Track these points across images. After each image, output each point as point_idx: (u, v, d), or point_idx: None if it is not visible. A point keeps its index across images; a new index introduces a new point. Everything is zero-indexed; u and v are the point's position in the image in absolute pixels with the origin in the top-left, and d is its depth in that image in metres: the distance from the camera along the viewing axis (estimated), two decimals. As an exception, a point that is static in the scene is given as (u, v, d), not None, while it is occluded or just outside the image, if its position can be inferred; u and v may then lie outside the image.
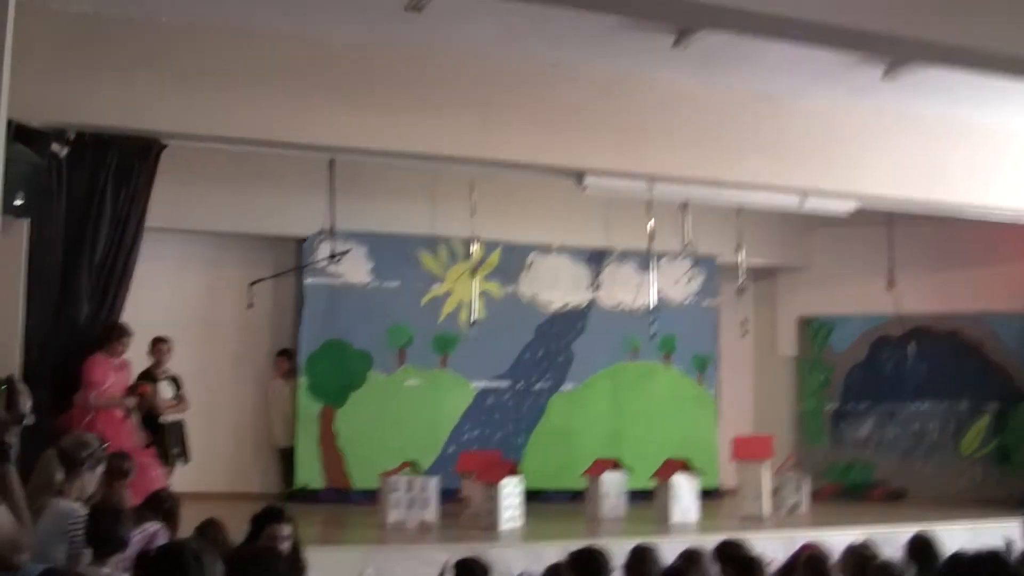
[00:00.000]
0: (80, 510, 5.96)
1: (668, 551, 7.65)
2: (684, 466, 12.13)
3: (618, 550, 7.46)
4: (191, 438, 11.57)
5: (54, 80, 9.64)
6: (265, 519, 6.43)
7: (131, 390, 10.63)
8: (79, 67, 9.84)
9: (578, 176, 11.76)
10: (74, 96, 9.83)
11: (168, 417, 11.20)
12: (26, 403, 3.83)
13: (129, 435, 10.39)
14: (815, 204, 12.75)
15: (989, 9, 8.39)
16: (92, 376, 10.27)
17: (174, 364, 11.59)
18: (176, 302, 13.19)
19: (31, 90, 9.05)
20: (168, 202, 11.41)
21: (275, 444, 13.74)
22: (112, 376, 10.44)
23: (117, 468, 7.73)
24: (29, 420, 3.87)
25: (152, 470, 10.04)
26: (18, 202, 9.14)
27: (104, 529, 5.58)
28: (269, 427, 13.78)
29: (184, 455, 11.37)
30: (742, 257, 14.09)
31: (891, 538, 9.35)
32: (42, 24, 9.48)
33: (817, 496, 13.87)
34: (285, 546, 6.32)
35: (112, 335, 10.47)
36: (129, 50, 10.06)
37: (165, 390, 11.25)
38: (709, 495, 13.74)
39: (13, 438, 3.80)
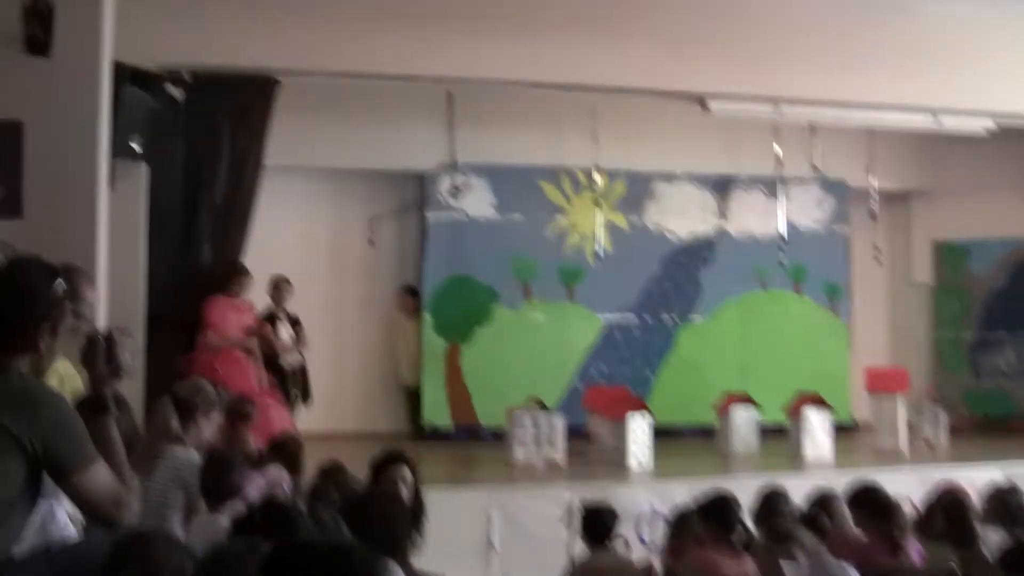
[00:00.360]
0: (196, 457, 5.90)
1: (800, 488, 7.43)
2: (816, 400, 11.77)
3: (749, 486, 7.24)
4: (317, 378, 11.57)
5: (167, 22, 9.61)
6: (385, 462, 6.31)
7: (251, 330, 10.61)
8: (192, 7, 9.80)
9: (702, 100, 11.44)
10: (188, 37, 9.78)
11: (288, 358, 11.17)
12: (125, 354, 3.70)
13: (251, 376, 10.37)
14: (950, 123, 12.24)
15: None
16: (211, 316, 10.32)
17: (300, 303, 11.57)
18: (300, 240, 13.15)
19: (145, 33, 9.05)
20: (288, 140, 11.39)
21: (401, 382, 13.67)
22: (232, 316, 10.44)
23: (238, 411, 7.69)
24: (131, 374, 3.75)
25: (275, 412, 10.02)
26: (136, 146, 9.14)
27: (215, 476, 5.51)
28: (395, 365, 13.71)
29: (305, 396, 11.35)
30: (874, 181, 13.64)
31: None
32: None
33: (955, 429, 13.40)
34: (406, 489, 6.20)
35: (230, 275, 10.49)
36: (240, -11, 9.98)
37: (284, 331, 11.21)
38: (843, 429, 13.39)
39: (111, 391, 3.67)
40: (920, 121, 12.31)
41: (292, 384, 11.10)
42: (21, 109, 6.74)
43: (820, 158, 13.03)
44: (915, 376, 13.32)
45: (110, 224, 7.68)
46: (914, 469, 10.44)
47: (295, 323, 11.41)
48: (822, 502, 6.74)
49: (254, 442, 7.90)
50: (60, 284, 3.56)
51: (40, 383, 3.50)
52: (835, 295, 14.83)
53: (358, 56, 10.31)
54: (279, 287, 11.33)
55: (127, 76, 8.68)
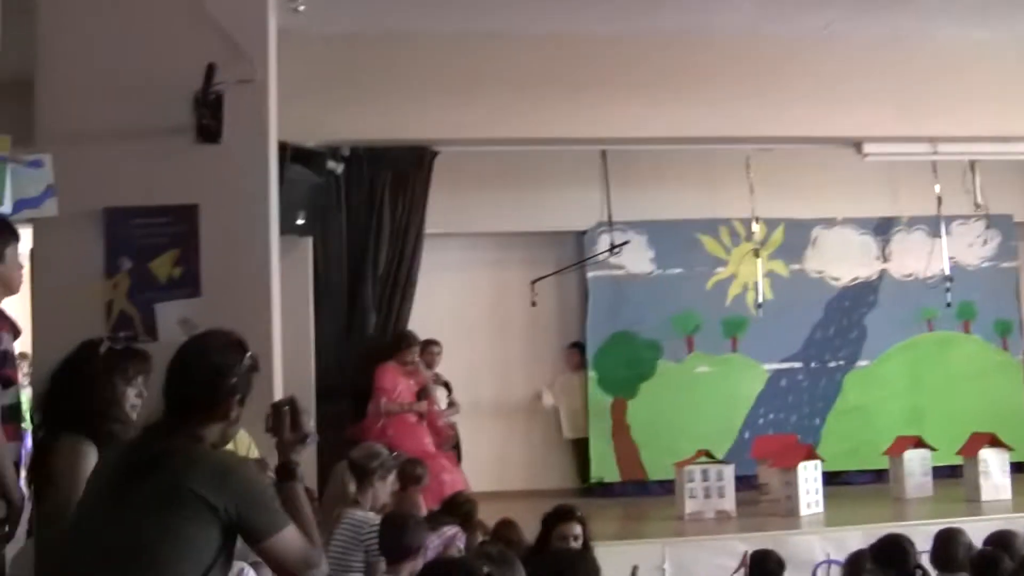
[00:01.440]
0: (374, 519, 6.13)
1: (980, 532, 7.34)
2: (992, 439, 11.56)
3: (925, 532, 7.19)
4: (484, 438, 11.77)
5: (324, 101, 9.99)
6: (555, 519, 6.45)
7: (419, 395, 10.88)
8: (346, 86, 10.16)
9: (857, 145, 11.42)
10: (345, 114, 10.15)
11: (443, 420, 11.40)
12: (309, 422, 3.92)
13: (423, 440, 10.63)
14: (1114, 148, 11.98)
15: None
16: (382, 383, 10.59)
17: (462, 366, 11.82)
18: (462, 305, 13.42)
19: (304, 113, 9.44)
20: (446, 208, 11.69)
21: (566, 436, 13.79)
22: (403, 382, 10.73)
23: (410, 474, 7.94)
24: (312, 440, 3.96)
25: (448, 473, 10.25)
26: (300, 221, 9.52)
27: (394, 537, 5.70)
28: (558, 421, 13.84)
29: (458, 457, 11.56)
30: (1041, 214, 13.42)
31: None
32: (306, 49, 9.84)
33: None
34: (576, 545, 6.32)
35: (400, 343, 10.78)
36: (392, 64, 10.34)
37: (437, 394, 11.45)
38: (1023, 469, 13.13)
39: (299, 457, 3.88)
40: (1083, 148, 12.08)
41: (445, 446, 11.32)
42: (196, 193, 7.09)
43: (982, 194, 12.86)
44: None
45: (280, 297, 7.99)
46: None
47: (446, 386, 11.66)
48: (1000, 539, 6.67)
49: (424, 504, 8.14)
50: (251, 356, 3.79)
51: (228, 452, 3.69)
52: (1006, 332, 14.54)
53: (511, 123, 10.55)
54: (429, 350, 11.57)
55: (289, 155, 9.08)
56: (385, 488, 6.54)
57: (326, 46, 10.15)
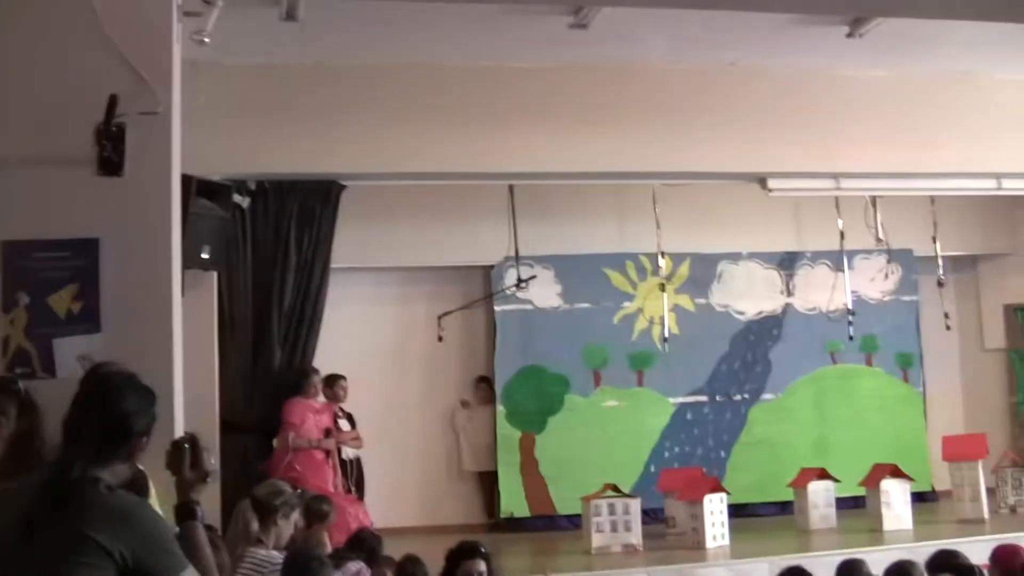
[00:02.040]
0: (276, 558, 6.04)
1: (882, 561, 7.40)
2: (894, 470, 11.73)
3: (829, 563, 7.25)
4: (384, 472, 11.69)
5: (231, 133, 9.92)
6: (460, 555, 6.41)
7: (328, 432, 10.79)
8: (254, 118, 10.11)
9: (762, 180, 11.55)
10: (252, 147, 10.09)
11: (348, 453, 11.35)
12: (210, 459, 3.85)
13: (329, 477, 10.57)
14: (1013, 185, 12.22)
15: None
16: (290, 417, 10.56)
17: (365, 400, 11.75)
18: (368, 339, 13.34)
19: (209, 145, 9.36)
20: (353, 242, 11.65)
21: (467, 468, 13.75)
22: (311, 418, 10.65)
23: (316, 511, 7.85)
24: (214, 477, 3.89)
25: (353, 509, 10.18)
26: (205, 255, 9.41)
27: (296, 574, 5.61)
28: (459, 455, 13.81)
29: (360, 491, 11.50)
30: (939, 248, 13.64)
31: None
32: (213, 80, 9.80)
33: (1041, 493, 13.29)
34: None
35: (306, 378, 10.69)
36: (299, 97, 10.32)
37: (343, 427, 11.40)
38: (924, 499, 13.33)
39: (199, 495, 3.81)
40: (983, 186, 12.31)
41: (348, 478, 11.25)
42: (97, 226, 6.98)
43: (884, 229, 13.06)
44: (994, 442, 13.17)
45: (183, 332, 7.88)
46: (999, 537, 10.31)
47: (350, 419, 11.60)
48: (900, 570, 6.73)
49: (329, 541, 8.05)
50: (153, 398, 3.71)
51: (125, 494, 3.59)
52: (908, 364, 14.77)
53: (418, 157, 10.55)
54: (339, 384, 11.48)
55: (195, 188, 8.98)
56: (289, 526, 6.44)
57: (233, 78, 10.09)
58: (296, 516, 6.61)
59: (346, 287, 12.24)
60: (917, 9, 8.51)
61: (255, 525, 6.22)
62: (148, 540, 3.43)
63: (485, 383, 13.80)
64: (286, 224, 10.57)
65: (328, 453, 10.76)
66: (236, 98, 10.08)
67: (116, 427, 3.55)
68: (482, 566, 6.35)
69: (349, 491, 11.05)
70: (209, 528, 5.63)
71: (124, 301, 7.02)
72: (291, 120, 10.24)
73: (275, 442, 10.62)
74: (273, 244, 10.56)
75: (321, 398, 10.95)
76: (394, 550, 7.94)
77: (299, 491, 6.70)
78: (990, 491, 12.23)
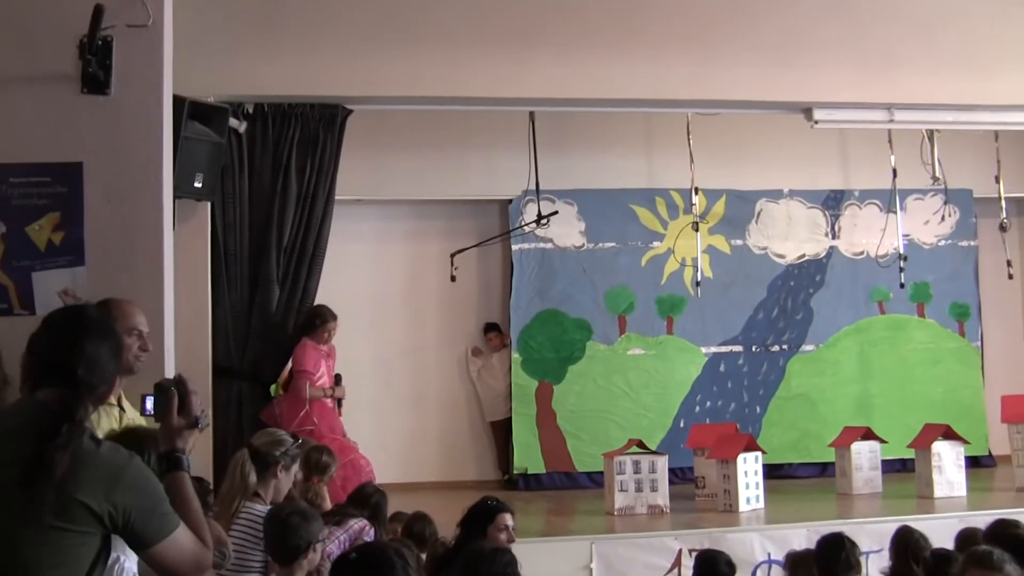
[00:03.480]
0: (275, 513, 6.05)
1: (933, 530, 7.42)
2: (947, 431, 11.72)
3: (875, 531, 7.28)
4: (398, 424, 11.75)
5: (227, 52, 9.86)
6: (488, 512, 6.43)
7: (338, 378, 10.80)
8: (253, 36, 10.03)
9: (807, 110, 11.46)
10: (250, 67, 10.01)
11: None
12: (200, 405, 3.84)
13: (340, 426, 10.60)
14: (1084, 120, 12.14)
15: None
16: (305, 365, 10.51)
17: (374, 344, 11.75)
18: (375, 279, 13.38)
19: (204, 64, 9.33)
20: (359, 172, 11.64)
21: (488, 419, 13.83)
22: (323, 364, 10.65)
23: (315, 463, 7.88)
24: (204, 424, 3.88)
25: (365, 461, 10.24)
26: (198, 184, 9.38)
27: (277, 536, 5.61)
28: (478, 405, 13.88)
29: None
30: (1003, 189, 13.56)
31: None
32: (210, -5, 9.70)
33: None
34: (510, 537, 6.34)
35: (316, 320, 10.68)
36: (305, 13, 10.22)
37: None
38: (979, 463, 13.35)
39: (187, 444, 3.80)
40: (1052, 120, 12.22)
41: None
42: (81, 150, 6.97)
43: (941, 167, 12.98)
44: (1057, 402, 13.19)
45: (174, 268, 7.88)
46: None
47: None
48: (964, 538, 6.75)
49: (328, 495, 8.10)
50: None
51: (115, 447, 3.57)
52: (964, 316, 14.73)
53: (430, 81, 10.45)
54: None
55: (187, 110, 8.95)
56: (289, 479, 6.45)
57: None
58: (296, 469, 6.64)
59: (351, 221, 12.24)
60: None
61: (253, 478, 6.22)
62: (139, 502, 3.45)
63: (495, 331, 13.80)
64: (286, 152, 10.51)
65: (340, 401, 10.79)
66: (234, 13, 10.00)
67: (98, 363, 3.56)
68: (510, 519, 6.40)
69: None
70: (198, 480, 5.67)
71: (110, 232, 7.03)
72: (293, 39, 10.16)
73: (273, 389, 10.63)
74: (272, 173, 10.50)
75: (332, 342, 10.95)
76: (401, 507, 8.00)
77: (299, 441, 6.70)
78: (1053, 456, 12.24)
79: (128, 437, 3.95)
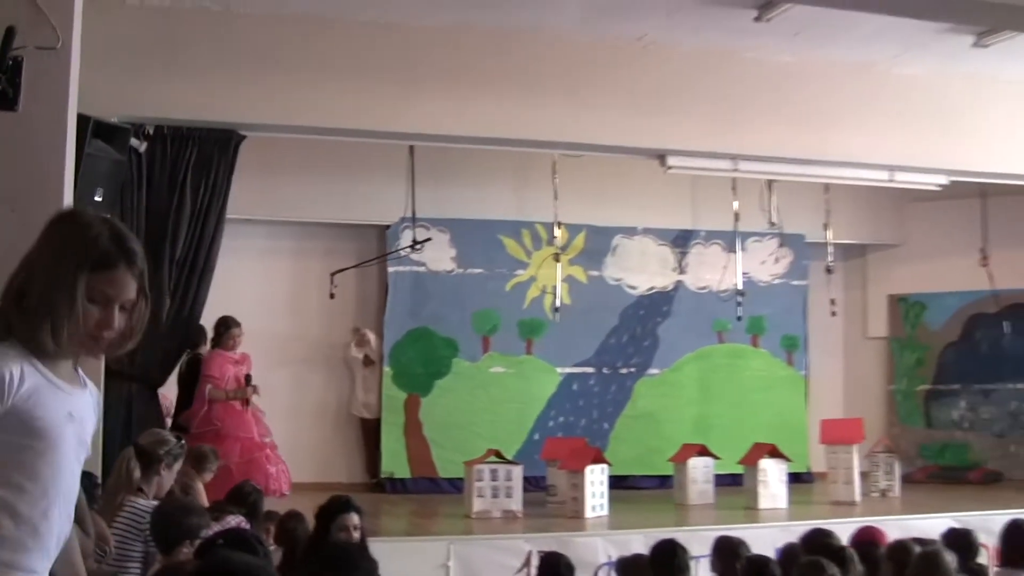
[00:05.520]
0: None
1: (756, 538, 7.55)
2: (773, 450, 11.93)
3: (704, 538, 7.37)
4: (278, 430, 11.63)
5: (132, 75, 9.66)
6: (334, 510, 6.38)
7: (248, 379, 10.77)
8: (156, 61, 9.85)
9: (661, 157, 11.58)
10: (152, 91, 9.83)
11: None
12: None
13: (251, 428, 10.53)
14: (905, 178, 12.43)
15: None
16: (209, 371, 10.66)
17: (258, 355, 11.63)
18: (260, 293, 13.20)
19: (109, 86, 9.13)
20: (250, 193, 11.46)
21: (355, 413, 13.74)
22: (231, 369, 10.69)
23: (196, 461, 7.78)
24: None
25: (273, 465, 10.20)
26: (98, 198, 9.19)
27: (165, 525, 5.52)
28: (350, 412, 13.79)
29: None
30: (830, 235, 13.84)
31: (986, 522, 9.20)
32: (117, 20, 9.53)
33: (911, 479, 13.65)
34: (355, 536, 6.29)
35: (222, 329, 10.87)
36: (206, 43, 10.06)
37: None
38: (800, 479, 13.60)
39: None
40: (876, 176, 12.46)
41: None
42: (-13, 162, 6.81)
43: (778, 213, 13.21)
44: (871, 427, 13.49)
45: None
46: (868, 519, 10.54)
47: None
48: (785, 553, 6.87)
49: (205, 492, 8.01)
50: None
51: None
52: (793, 347, 15.02)
53: (321, 111, 10.37)
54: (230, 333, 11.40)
55: (91, 129, 8.76)
56: (171, 476, 6.37)
57: (137, 17, 9.82)
58: (178, 466, 6.54)
59: (241, 238, 12.08)
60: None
61: (137, 474, 6.12)
62: None
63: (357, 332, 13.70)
64: (182, 171, 10.34)
65: (246, 403, 10.68)
66: (138, 39, 9.82)
67: None
68: (356, 519, 6.34)
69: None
70: (87, 475, 5.55)
71: (12, 242, 6.85)
72: (194, 65, 10.00)
73: (159, 392, 10.50)
74: (168, 191, 10.32)
75: (240, 349, 10.90)
76: (279, 507, 7.91)
77: (182, 440, 6.61)
78: (863, 475, 12.53)
79: None
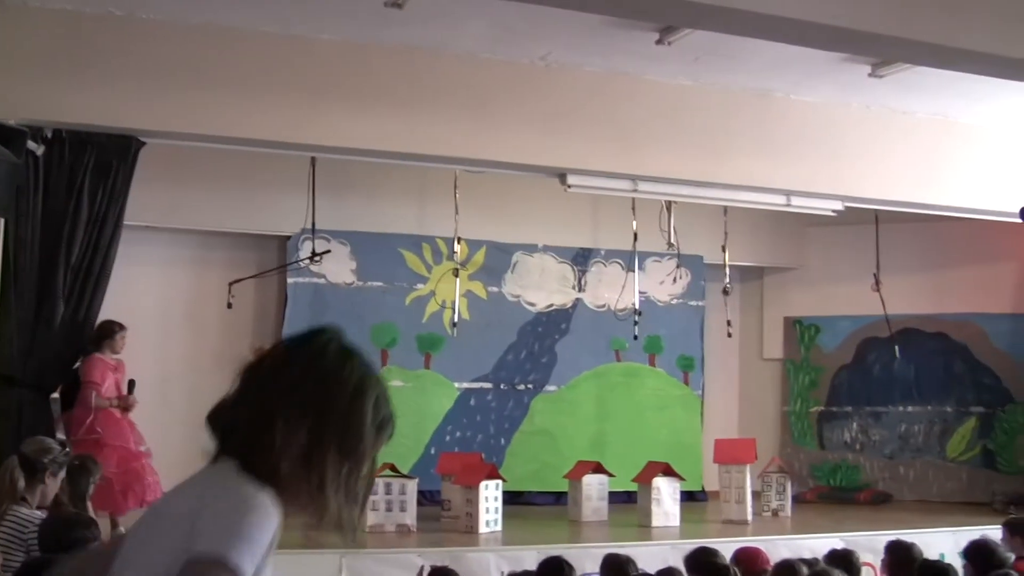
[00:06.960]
0: (39, 517, 5.87)
1: (647, 555, 7.60)
2: (666, 468, 12.01)
3: (596, 555, 7.40)
4: (173, 440, 11.48)
5: (31, 78, 9.54)
6: None
7: (131, 386, 10.60)
8: (57, 65, 9.72)
9: (562, 176, 11.64)
10: (51, 94, 9.70)
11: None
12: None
13: (130, 437, 10.34)
14: (801, 204, 12.62)
15: (976, 9, 8.28)
16: (91, 376, 10.30)
17: (155, 364, 11.51)
18: (157, 302, 13.06)
19: (7, 88, 9.00)
20: (149, 201, 11.33)
21: None
22: (111, 376, 10.43)
23: (80, 470, 7.64)
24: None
25: (152, 475, 10.04)
26: (-8, 201, 9.05)
27: (56, 533, 5.44)
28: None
29: None
30: (727, 257, 14.01)
31: (873, 542, 9.37)
32: (19, 22, 9.40)
33: (803, 499, 13.83)
34: None
35: (104, 333, 10.47)
36: (108, 48, 9.94)
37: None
38: (694, 498, 13.72)
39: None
40: (773, 201, 12.65)
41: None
42: None
43: (676, 234, 13.33)
44: (765, 448, 13.65)
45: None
46: (759, 538, 10.67)
47: None
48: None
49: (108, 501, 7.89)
50: None
51: None
52: (689, 367, 15.16)
53: (222, 121, 10.29)
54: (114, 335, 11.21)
55: (-13, 131, 8.64)
56: (55, 485, 6.27)
57: (37, 21, 9.65)
58: (63, 475, 6.44)
59: (139, 245, 11.91)
60: (727, 24, 8.65)
61: (21, 483, 6.01)
62: None
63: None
64: (80, 176, 10.19)
65: (125, 410, 10.50)
66: (39, 42, 9.68)
67: None
68: None
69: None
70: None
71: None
72: (94, 71, 9.88)
73: (52, 398, 10.29)
74: (65, 196, 10.17)
75: (118, 356, 10.69)
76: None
77: (67, 449, 6.50)
78: (756, 494, 12.66)
79: None
